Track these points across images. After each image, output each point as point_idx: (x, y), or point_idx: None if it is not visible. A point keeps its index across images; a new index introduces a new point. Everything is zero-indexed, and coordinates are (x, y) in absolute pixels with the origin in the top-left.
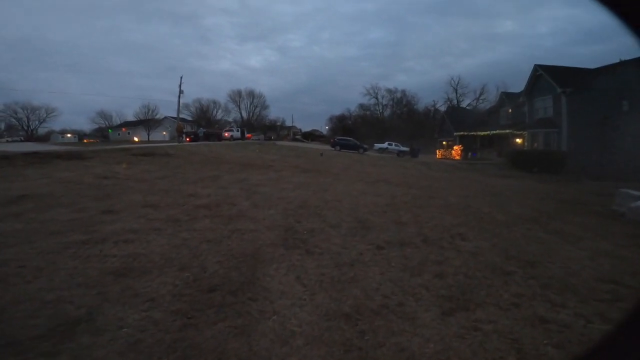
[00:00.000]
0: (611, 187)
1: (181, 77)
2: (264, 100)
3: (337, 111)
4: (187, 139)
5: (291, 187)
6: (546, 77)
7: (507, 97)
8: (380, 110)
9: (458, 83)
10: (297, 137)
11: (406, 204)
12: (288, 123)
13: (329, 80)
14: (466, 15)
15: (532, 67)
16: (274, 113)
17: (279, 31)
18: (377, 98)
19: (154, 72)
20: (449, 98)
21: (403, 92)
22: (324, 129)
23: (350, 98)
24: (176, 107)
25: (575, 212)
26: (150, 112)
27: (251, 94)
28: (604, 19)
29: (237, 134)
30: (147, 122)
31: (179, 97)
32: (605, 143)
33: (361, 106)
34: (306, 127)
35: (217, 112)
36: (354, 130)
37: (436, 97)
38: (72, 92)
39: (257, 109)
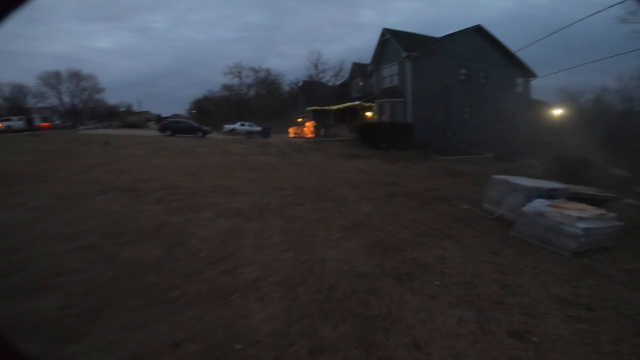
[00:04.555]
0: (458, 162)
1: None
2: (95, 83)
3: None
4: None
5: None
6: (393, 41)
7: (358, 68)
8: (245, 90)
9: (318, 59)
10: (157, 124)
11: None
12: (136, 108)
13: (200, 63)
14: (335, 3)
15: (380, 32)
16: (126, 97)
17: (138, 11)
18: (240, 77)
19: None
20: (310, 75)
21: (267, 70)
22: (191, 113)
23: (219, 80)
24: None
25: (441, 226)
26: None
27: (76, 76)
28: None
29: (19, 124)
30: None
31: None
32: (446, 113)
33: (225, 86)
34: (170, 112)
35: (26, 98)
36: (214, 112)
37: (299, 75)
38: None
39: (87, 93)
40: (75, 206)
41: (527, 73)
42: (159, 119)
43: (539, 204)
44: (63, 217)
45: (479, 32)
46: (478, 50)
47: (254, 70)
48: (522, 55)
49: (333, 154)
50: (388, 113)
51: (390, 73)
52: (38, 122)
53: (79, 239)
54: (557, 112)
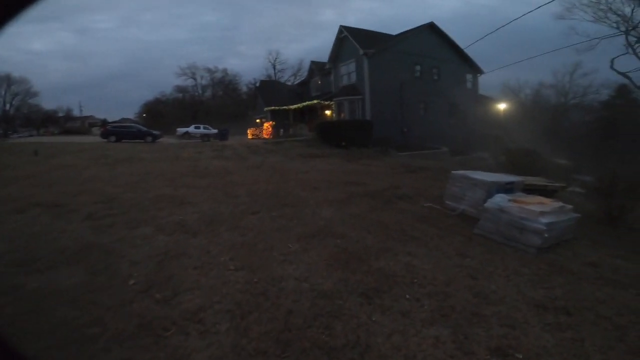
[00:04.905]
0: (416, 157)
1: None
2: (29, 87)
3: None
4: None
5: None
6: (350, 39)
7: (316, 67)
8: (200, 92)
9: (276, 58)
10: (100, 129)
11: None
12: (78, 112)
13: (152, 64)
14: (295, 2)
15: (338, 29)
16: (67, 102)
17: (79, 11)
18: (195, 78)
19: None
20: (268, 75)
21: (224, 71)
22: (141, 117)
23: (172, 82)
24: None
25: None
26: None
27: (5, 80)
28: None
29: None
30: None
31: None
32: (403, 110)
33: (178, 88)
34: (119, 116)
35: None
36: (166, 115)
37: (258, 75)
38: None
39: (19, 98)
40: None
41: (475, 69)
42: (103, 123)
43: (500, 200)
44: None
45: (432, 29)
46: (431, 47)
47: (209, 70)
48: (470, 52)
49: (292, 154)
50: (347, 111)
51: (347, 71)
52: None
53: None
54: (502, 106)
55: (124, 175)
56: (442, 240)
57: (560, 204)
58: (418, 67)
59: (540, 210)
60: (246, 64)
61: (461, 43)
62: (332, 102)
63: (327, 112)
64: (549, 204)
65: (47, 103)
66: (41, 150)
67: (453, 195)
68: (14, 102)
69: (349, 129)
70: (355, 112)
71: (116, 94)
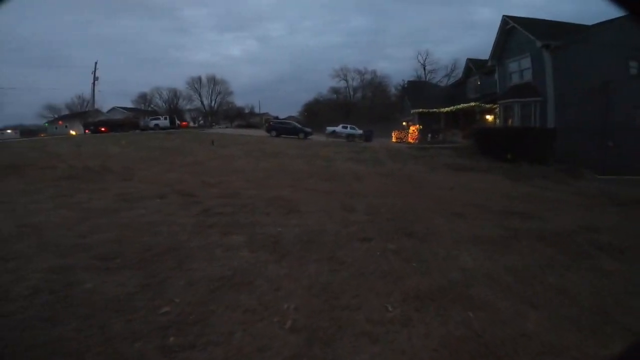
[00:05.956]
0: (628, 184)
1: (96, 63)
2: (227, 87)
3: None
4: (102, 130)
5: None
6: (520, 30)
7: (474, 65)
8: (351, 93)
9: (426, 58)
10: (266, 124)
11: None
12: (257, 110)
13: (312, 68)
14: (445, 1)
15: (501, 20)
16: (250, 100)
17: (259, 21)
18: (346, 80)
19: (128, 64)
20: (418, 76)
21: (373, 72)
22: (303, 115)
23: (328, 84)
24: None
25: None
26: (85, 103)
27: (212, 80)
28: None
29: (165, 123)
30: (83, 114)
31: (94, 84)
32: (607, 118)
33: (332, 89)
34: (286, 114)
35: (178, 100)
36: (322, 115)
37: (407, 76)
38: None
39: (220, 96)
40: (120, 210)
41: None
42: (270, 120)
43: None
44: (91, 224)
45: None
46: None
47: (359, 72)
48: None
49: (437, 163)
50: (517, 116)
51: (519, 67)
52: (179, 122)
53: (67, 256)
54: None
55: (261, 171)
56: None
57: None
58: (634, 64)
59: None
60: (395, 66)
61: None
62: (495, 105)
63: (488, 117)
64: None
65: (238, 101)
66: (219, 140)
67: None
68: (217, 100)
69: (520, 138)
70: (530, 118)
71: (285, 95)
